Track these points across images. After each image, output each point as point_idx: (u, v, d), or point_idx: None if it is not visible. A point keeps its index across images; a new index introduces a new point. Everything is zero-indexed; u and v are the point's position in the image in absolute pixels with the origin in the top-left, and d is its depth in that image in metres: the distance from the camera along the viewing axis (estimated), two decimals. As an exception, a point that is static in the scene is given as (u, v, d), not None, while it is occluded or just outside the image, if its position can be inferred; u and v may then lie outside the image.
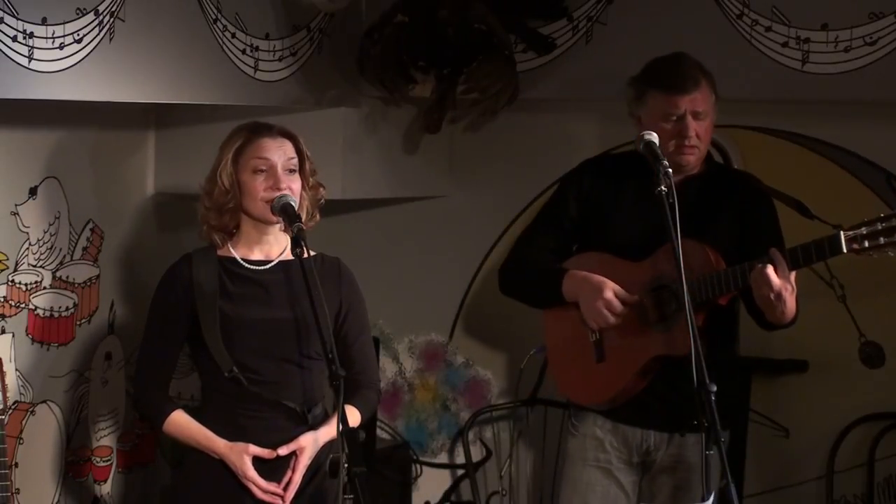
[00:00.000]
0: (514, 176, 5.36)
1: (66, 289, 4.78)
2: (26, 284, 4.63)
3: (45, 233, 4.68)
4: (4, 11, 3.79)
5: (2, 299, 4.55)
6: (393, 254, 5.63)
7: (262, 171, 3.91)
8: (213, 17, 4.51)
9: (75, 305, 4.83)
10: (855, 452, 5.06)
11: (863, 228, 3.85)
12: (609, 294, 4.10)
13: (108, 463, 5.01)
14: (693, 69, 4.16)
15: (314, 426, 3.93)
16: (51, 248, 4.71)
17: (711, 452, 3.54)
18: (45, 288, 4.70)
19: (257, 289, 3.95)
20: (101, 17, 4.07)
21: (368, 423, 4.92)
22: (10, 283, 4.57)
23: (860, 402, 5.04)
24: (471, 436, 5.48)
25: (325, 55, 5.02)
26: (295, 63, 4.88)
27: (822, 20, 4.74)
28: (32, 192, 4.64)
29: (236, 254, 3.98)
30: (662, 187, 3.80)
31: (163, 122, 5.20)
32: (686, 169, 4.18)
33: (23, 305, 4.62)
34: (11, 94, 3.86)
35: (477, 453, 5.51)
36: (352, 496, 3.49)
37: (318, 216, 4.04)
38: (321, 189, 4.04)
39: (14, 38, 3.82)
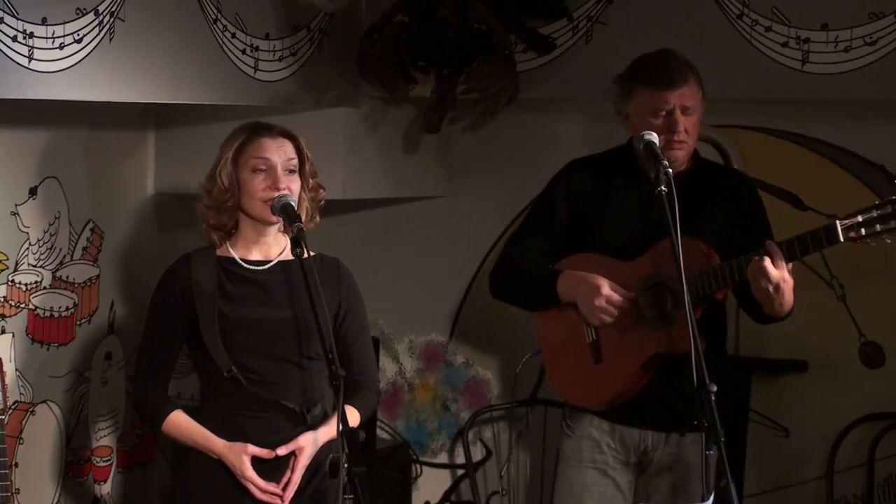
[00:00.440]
0: (514, 176, 5.36)
1: (66, 289, 4.78)
2: (26, 284, 4.63)
3: (45, 233, 4.68)
4: (4, 11, 3.79)
5: (2, 299, 4.55)
6: (393, 254, 5.63)
7: (261, 170, 3.91)
8: (213, 17, 4.51)
9: (75, 305, 4.83)
10: (855, 452, 5.06)
11: (858, 216, 3.86)
12: (607, 289, 4.09)
13: (108, 463, 5.01)
14: (681, 64, 4.16)
15: (313, 426, 3.93)
16: (51, 248, 4.71)
17: (711, 452, 3.53)
18: (45, 288, 4.70)
19: (256, 289, 3.95)
20: (101, 17, 4.07)
21: (368, 423, 4.92)
22: (10, 283, 4.57)
23: (860, 402, 5.04)
24: (471, 436, 5.48)
25: (325, 55, 5.02)
26: (295, 63, 4.88)
27: (822, 20, 4.74)
28: (32, 192, 4.64)
29: (235, 254, 3.98)
30: (662, 187, 3.80)
31: (163, 122, 5.19)
32: (675, 165, 4.12)
33: (23, 305, 4.62)
34: (11, 94, 3.86)
35: (477, 453, 5.51)
36: (352, 496, 3.49)
37: (317, 217, 4.04)
38: (321, 190, 4.04)
39: (14, 38, 3.82)
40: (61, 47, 3.96)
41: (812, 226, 3.99)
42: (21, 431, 4.63)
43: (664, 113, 4.11)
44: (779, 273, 3.90)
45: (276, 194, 3.87)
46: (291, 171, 3.93)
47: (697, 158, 4.28)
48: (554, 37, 5.09)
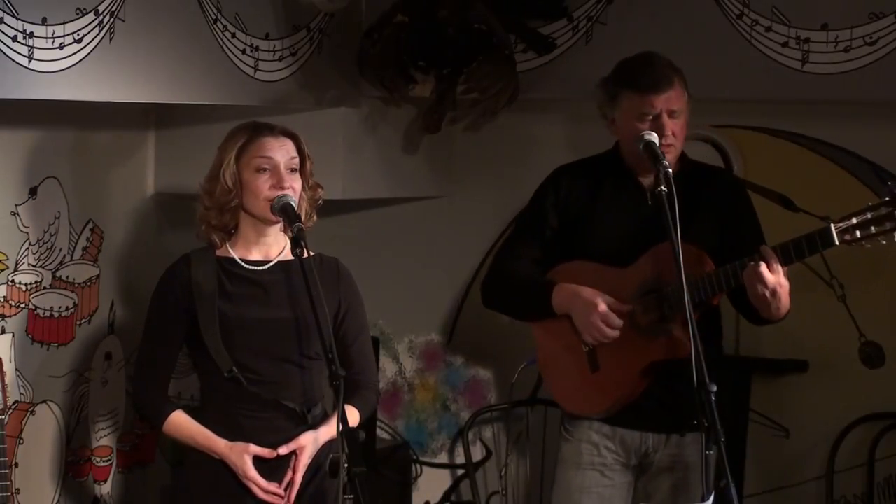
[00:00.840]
0: (514, 176, 5.36)
1: (66, 289, 4.78)
2: (26, 284, 4.63)
3: (45, 233, 4.68)
4: (4, 11, 3.79)
5: (2, 299, 4.55)
6: (393, 254, 5.63)
7: (265, 169, 3.91)
8: (213, 17, 4.51)
9: (75, 305, 4.83)
10: (855, 452, 5.06)
11: (853, 219, 3.85)
12: (604, 307, 4.06)
13: (108, 463, 5.01)
14: (666, 68, 4.13)
15: (314, 426, 3.93)
16: (51, 248, 4.71)
17: (711, 452, 3.53)
18: (45, 288, 4.70)
19: (256, 289, 3.95)
20: (101, 17, 4.07)
21: (368, 423, 4.92)
22: (10, 283, 4.57)
23: (860, 402, 5.04)
24: (471, 436, 5.48)
25: (325, 55, 5.02)
26: (295, 63, 4.88)
27: (822, 20, 4.74)
28: (32, 192, 4.64)
29: (235, 254, 3.98)
30: (662, 188, 3.80)
31: (163, 122, 5.19)
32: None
33: (23, 305, 4.62)
34: (11, 94, 3.86)
35: (477, 453, 5.51)
36: (352, 496, 3.49)
37: (315, 216, 4.04)
38: (320, 189, 4.04)
39: (14, 38, 3.82)
40: (61, 47, 3.96)
41: (804, 227, 3.98)
42: (21, 431, 4.63)
43: (651, 117, 4.08)
44: (775, 278, 3.89)
45: (280, 193, 3.87)
46: (294, 170, 3.93)
47: (685, 160, 4.26)
48: (554, 37, 5.09)
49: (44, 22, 3.90)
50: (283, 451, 3.88)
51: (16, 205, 4.58)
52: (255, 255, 3.98)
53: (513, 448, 5.44)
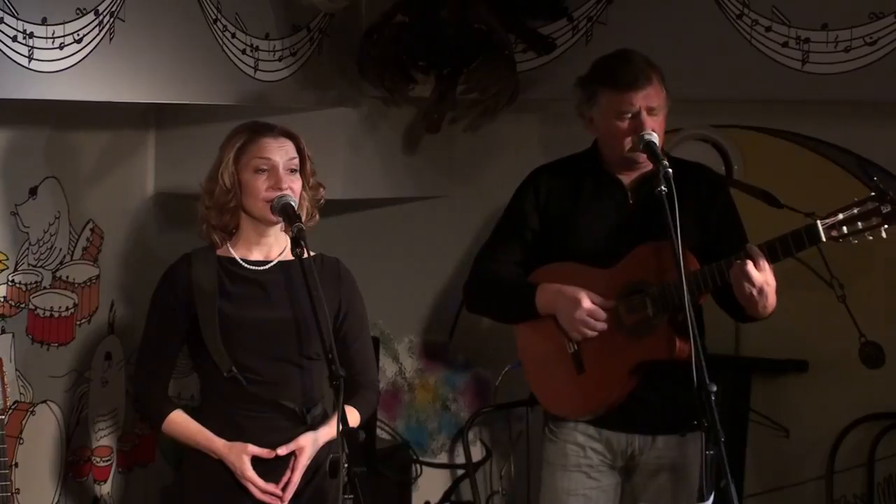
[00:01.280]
0: (515, 176, 5.34)
1: (66, 289, 4.78)
2: (26, 284, 4.63)
3: (45, 233, 4.68)
4: (4, 11, 3.79)
5: (2, 299, 4.55)
6: (393, 254, 5.63)
7: (263, 170, 3.91)
8: (213, 17, 4.51)
9: (75, 305, 4.83)
10: (855, 452, 5.06)
11: (839, 215, 3.82)
12: (588, 303, 4.04)
13: (108, 463, 5.01)
14: (643, 65, 4.09)
15: (313, 426, 3.93)
16: (51, 248, 4.71)
17: (711, 452, 3.52)
18: (44, 288, 4.70)
19: (256, 289, 3.95)
20: (101, 17, 4.07)
21: (368, 423, 4.92)
22: (10, 283, 4.57)
23: (860, 402, 5.04)
24: (471, 436, 5.48)
25: (325, 55, 5.02)
26: (295, 63, 4.88)
27: (822, 20, 4.74)
28: (32, 192, 4.64)
29: (235, 254, 3.98)
30: (662, 188, 3.79)
31: (163, 122, 5.20)
32: (642, 166, 4.11)
33: (23, 305, 4.62)
34: (11, 94, 3.86)
35: (477, 453, 5.50)
36: (352, 496, 3.49)
37: (317, 216, 4.04)
38: (321, 189, 4.04)
39: (14, 38, 3.82)
40: (61, 47, 3.96)
41: (789, 223, 3.97)
42: (21, 431, 4.63)
43: (630, 115, 4.04)
44: (762, 276, 3.85)
45: (278, 194, 3.87)
46: (293, 171, 3.93)
47: (668, 158, 4.12)
48: (554, 37, 5.09)
49: (44, 22, 3.90)
50: (282, 451, 3.88)
51: (16, 205, 4.58)
52: (256, 255, 3.98)
53: (513, 448, 5.44)
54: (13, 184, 4.58)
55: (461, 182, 5.55)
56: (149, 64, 4.26)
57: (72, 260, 4.81)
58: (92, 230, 4.89)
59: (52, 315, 4.74)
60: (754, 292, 3.87)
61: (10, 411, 4.46)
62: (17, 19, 3.82)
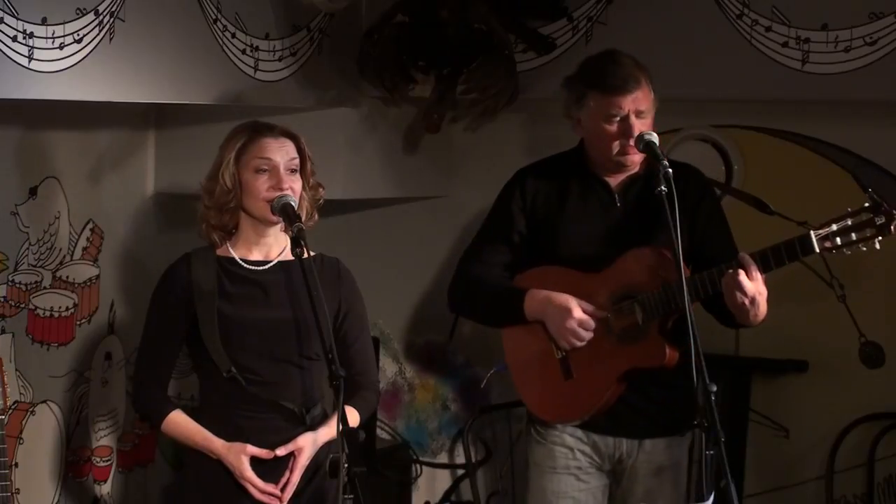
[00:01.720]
0: (515, 176, 5.36)
1: (66, 289, 4.78)
2: (26, 284, 4.63)
3: (45, 233, 4.68)
4: (4, 11, 3.79)
5: (2, 299, 4.55)
6: (393, 254, 5.63)
7: (264, 170, 3.90)
8: (213, 17, 4.51)
9: (75, 305, 4.83)
10: (855, 452, 5.06)
11: (833, 226, 3.79)
12: (578, 313, 3.99)
13: (108, 463, 5.01)
14: (632, 68, 4.04)
15: (313, 427, 3.93)
16: (51, 248, 4.71)
17: (712, 452, 3.51)
18: (45, 288, 4.70)
19: (256, 289, 3.95)
20: (101, 17, 4.07)
21: (368, 423, 4.92)
22: (10, 283, 4.57)
23: (860, 402, 5.04)
24: (471, 436, 5.48)
25: (325, 55, 5.02)
26: (295, 63, 4.88)
27: (822, 20, 4.74)
28: (32, 192, 4.64)
29: (235, 254, 3.98)
30: (663, 188, 3.76)
31: (163, 122, 5.20)
32: (629, 169, 4.09)
33: (23, 305, 4.62)
34: (11, 94, 3.86)
35: (477, 453, 5.50)
36: (352, 496, 3.49)
37: (316, 216, 4.04)
38: (321, 189, 4.04)
39: (14, 38, 3.82)
40: (61, 47, 3.96)
41: (780, 229, 3.95)
42: (21, 431, 4.63)
43: (618, 119, 4.00)
44: (754, 286, 3.82)
45: (279, 194, 3.87)
46: (293, 171, 3.93)
47: (650, 160, 4.09)
48: (554, 37, 5.09)
49: (44, 22, 3.90)
50: (281, 452, 3.88)
51: (16, 205, 4.58)
52: (256, 255, 3.98)
53: (513, 448, 5.44)
54: (13, 184, 4.58)
55: (461, 182, 5.54)
56: (149, 64, 4.26)
57: (72, 260, 4.81)
58: (92, 230, 4.89)
59: (52, 315, 4.74)
60: (746, 302, 3.84)
61: (10, 411, 4.46)
62: (17, 19, 3.82)
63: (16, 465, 4.59)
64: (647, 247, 3.99)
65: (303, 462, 3.89)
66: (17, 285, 4.60)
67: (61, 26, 3.95)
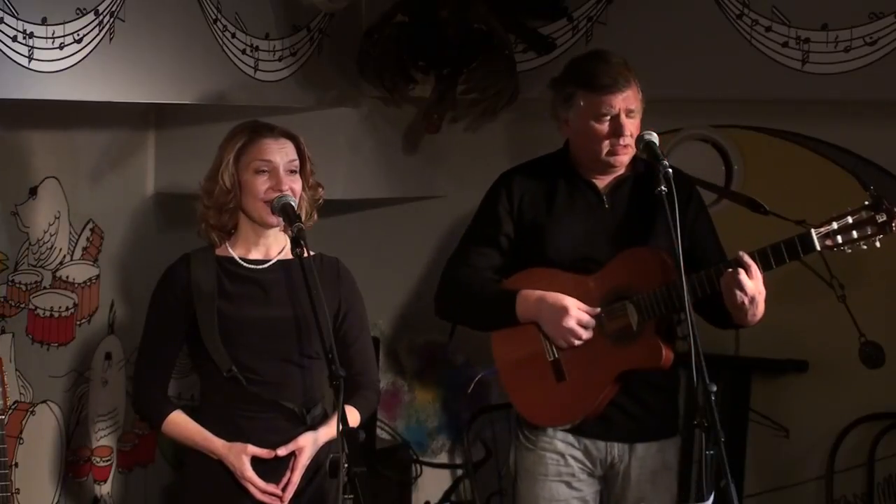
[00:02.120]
0: (514, 176, 5.36)
1: (66, 289, 4.79)
2: (26, 284, 4.63)
3: (45, 233, 4.69)
4: (4, 11, 3.79)
5: (2, 299, 4.55)
6: (393, 254, 5.63)
7: (263, 171, 3.90)
8: (213, 17, 4.51)
9: (75, 305, 4.83)
10: (855, 452, 5.06)
11: (833, 224, 3.79)
12: (576, 311, 3.96)
13: (108, 463, 5.01)
14: (621, 67, 4.01)
15: (313, 426, 3.93)
16: (51, 248, 4.71)
17: (712, 453, 3.51)
18: (45, 288, 4.71)
19: (255, 288, 3.95)
20: (101, 17, 4.07)
21: (368, 423, 4.92)
22: (10, 283, 4.57)
23: (860, 402, 5.04)
24: (471, 436, 5.48)
25: (325, 55, 5.03)
26: (295, 63, 4.88)
27: (822, 20, 4.74)
28: (32, 192, 4.65)
29: (234, 253, 3.98)
30: (663, 188, 3.75)
31: (163, 122, 5.20)
32: (617, 170, 4.06)
33: (23, 305, 4.63)
34: (11, 94, 3.86)
35: (477, 453, 5.50)
36: (352, 496, 3.49)
37: (315, 216, 4.03)
38: (320, 189, 4.03)
39: (14, 38, 3.82)
40: (61, 47, 3.96)
41: (777, 230, 3.94)
42: (21, 431, 4.63)
43: (609, 118, 3.98)
44: (755, 285, 3.80)
45: (278, 195, 3.87)
46: (293, 172, 3.93)
47: (637, 160, 4.10)
48: (554, 37, 5.10)
49: (44, 22, 3.90)
50: (281, 452, 3.88)
51: (16, 205, 4.58)
52: (255, 254, 3.98)
53: (513, 447, 5.43)
54: (13, 184, 4.58)
55: (461, 182, 5.54)
56: (149, 64, 4.26)
57: (72, 260, 4.81)
58: (92, 230, 4.89)
59: (52, 315, 4.74)
60: (746, 301, 3.82)
61: (10, 411, 4.46)
62: (17, 19, 3.82)
63: (16, 465, 4.59)
64: (640, 247, 3.98)
65: (303, 462, 3.89)
66: (17, 285, 4.60)
67: (61, 26, 3.95)
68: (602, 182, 4.09)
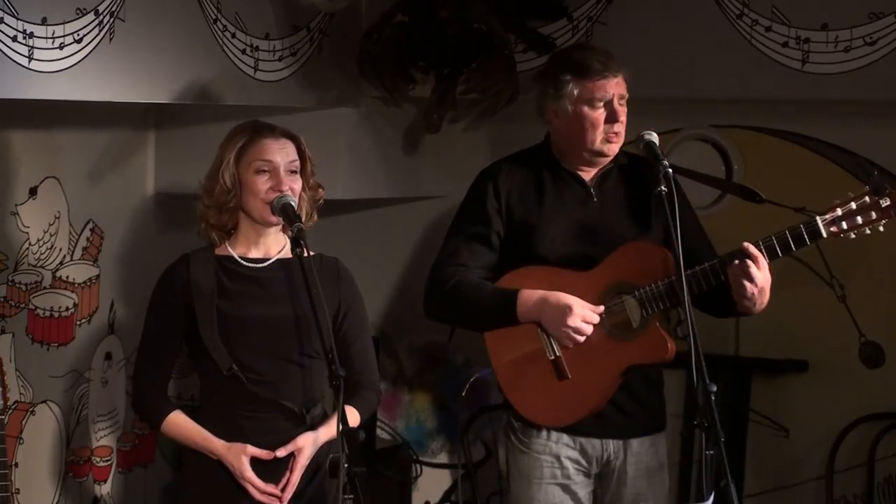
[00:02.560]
0: (514, 176, 5.36)
1: (66, 289, 4.79)
2: (26, 284, 4.63)
3: (45, 233, 4.69)
4: (4, 11, 3.79)
5: (2, 299, 4.55)
6: (393, 254, 5.63)
7: (264, 171, 3.90)
8: (213, 17, 4.51)
9: (75, 305, 4.83)
10: (855, 452, 5.07)
11: (838, 210, 3.81)
12: (580, 309, 3.92)
13: (108, 463, 5.01)
14: (610, 54, 4.00)
15: (313, 426, 3.93)
16: (51, 248, 4.71)
17: (712, 453, 3.51)
18: (44, 288, 4.71)
19: (255, 287, 3.95)
20: (101, 17, 4.07)
21: (368, 423, 4.92)
22: (10, 283, 4.57)
23: (860, 402, 5.04)
24: (471, 436, 5.48)
25: (325, 55, 5.03)
26: (295, 63, 4.88)
27: (822, 20, 4.74)
28: (32, 192, 4.65)
29: (234, 252, 3.98)
30: (663, 188, 3.75)
31: (163, 122, 5.20)
32: (602, 161, 4.04)
33: (23, 305, 4.63)
34: (11, 94, 3.86)
35: (477, 453, 5.50)
36: (352, 496, 3.49)
37: (315, 216, 4.03)
38: (320, 190, 4.03)
39: (14, 38, 3.82)
40: (61, 47, 3.96)
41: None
42: (21, 431, 4.63)
43: (603, 103, 3.96)
44: (763, 275, 3.82)
45: (278, 195, 3.87)
46: (293, 172, 3.93)
47: (621, 153, 4.08)
48: (554, 37, 5.09)
49: (44, 22, 3.90)
50: (281, 453, 3.87)
51: (16, 205, 4.59)
52: (255, 253, 3.98)
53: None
54: (13, 184, 4.58)
55: (461, 182, 5.52)
56: (149, 64, 4.26)
57: (72, 260, 4.81)
58: (92, 230, 4.89)
59: (52, 315, 4.74)
60: (755, 291, 3.84)
61: (10, 411, 4.46)
62: (17, 19, 3.82)
63: (16, 465, 4.59)
64: (639, 241, 3.98)
65: (303, 462, 3.89)
66: (17, 285, 4.60)
67: (61, 26, 3.95)
68: (588, 174, 4.07)
